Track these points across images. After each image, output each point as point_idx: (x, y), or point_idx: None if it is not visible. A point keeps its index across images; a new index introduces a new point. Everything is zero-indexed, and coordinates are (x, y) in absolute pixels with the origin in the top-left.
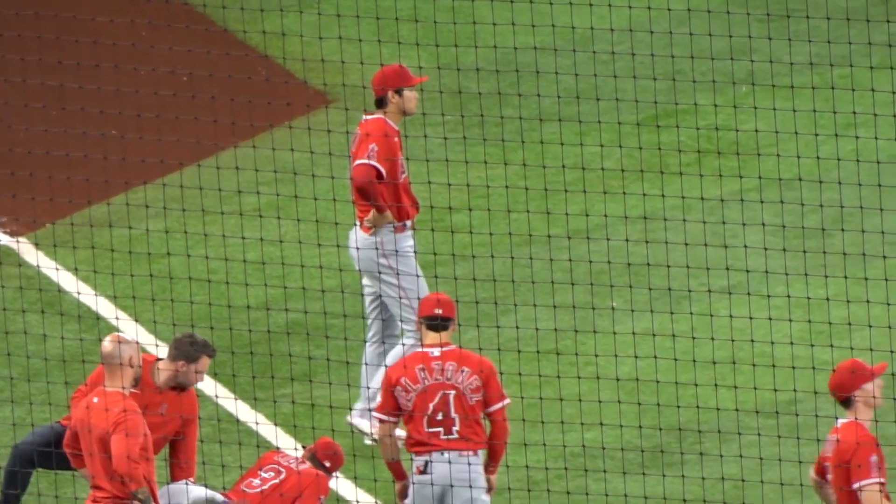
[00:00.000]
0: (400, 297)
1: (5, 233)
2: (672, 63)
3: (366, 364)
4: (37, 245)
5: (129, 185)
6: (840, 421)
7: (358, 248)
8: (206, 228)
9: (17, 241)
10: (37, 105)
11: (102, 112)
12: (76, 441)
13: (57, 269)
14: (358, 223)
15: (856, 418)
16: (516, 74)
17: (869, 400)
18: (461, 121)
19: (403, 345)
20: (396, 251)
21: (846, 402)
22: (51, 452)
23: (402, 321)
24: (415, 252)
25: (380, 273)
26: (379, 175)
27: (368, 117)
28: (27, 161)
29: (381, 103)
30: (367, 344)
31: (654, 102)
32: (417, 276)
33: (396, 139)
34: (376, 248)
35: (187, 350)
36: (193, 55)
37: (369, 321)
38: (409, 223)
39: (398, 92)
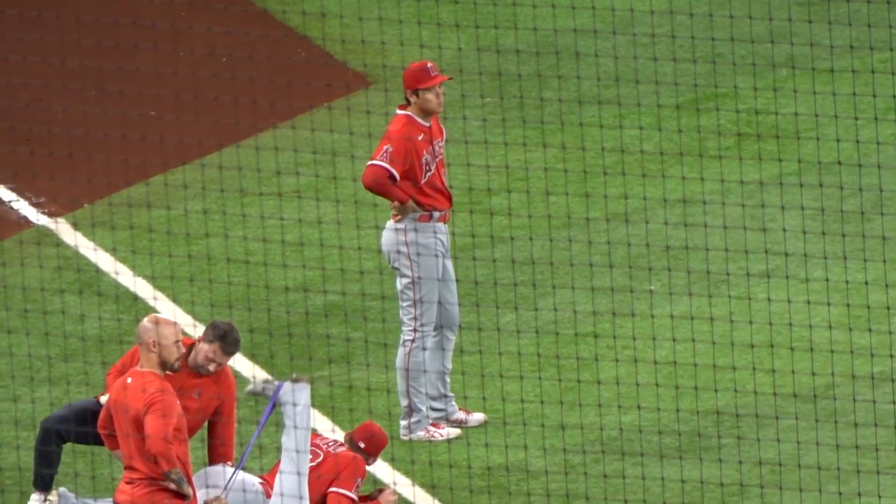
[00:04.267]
0: (404, 290)
1: (44, 213)
2: (712, 46)
3: (425, 371)
4: (75, 225)
5: (167, 165)
6: None
7: (387, 232)
8: (244, 209)
9: (56, 222)
10: (75, 86)
11: (141, 93)
12: (110, 422)
13: (95, 250)
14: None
15: None
16: (556, 57)
17: None
18: (500, 103)
19: (403, 345)
20: (418, 242)
21: None
22: (85, 430)
23: (402, 314)
24: (442, 253)
25: (398, 261)
26: (392, 177)
27: (398, 112)
28: (66, 142)
29: (408, 101)
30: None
31: (694, 85)
32: (438, 279)
33: (421, 137)
34: (402, 235)
35: (209, 329)
36: (232, 36)
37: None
38: (436, 214)
39: (415, 93)
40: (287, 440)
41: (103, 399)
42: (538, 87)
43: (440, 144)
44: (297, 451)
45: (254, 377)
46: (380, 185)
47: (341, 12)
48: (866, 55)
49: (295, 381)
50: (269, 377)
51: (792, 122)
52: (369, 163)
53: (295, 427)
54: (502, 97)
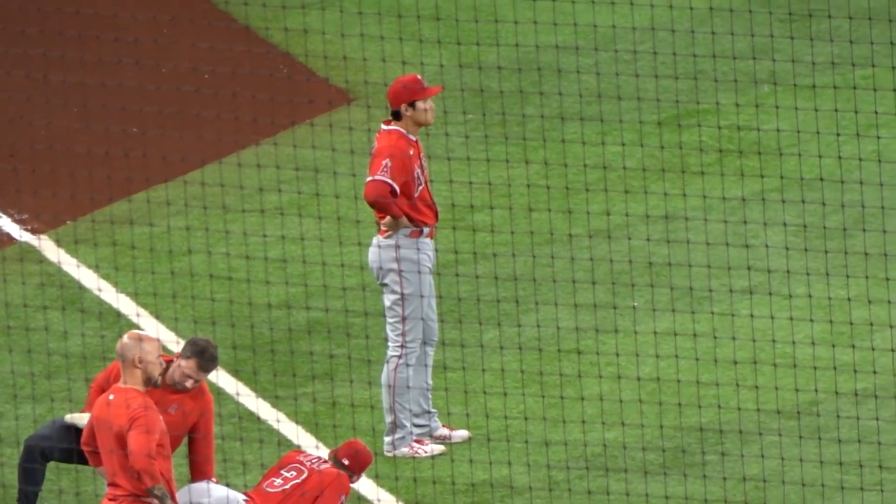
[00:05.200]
0: (392, 306)
1: (27, 230)
2: (694, 62)
3: (409, 387)
4: (58, 242)
5: (150, 182)
6: None
7: (376, 249)
8: (227, 226)
9: (39, 239)
10: (58, 101)
11: (124, 109)
12: (93, 439)
13: (78, 267)
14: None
15: None
16: (538, 73)
17: None
18: (483, 119)
19: (389, 361)
20: (409, 259)
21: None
22: (69, 447)
23: (389, 330)
24: (429, 269)
25: (387, 277)
26: (393, 192)
27: (386, 128)
28: (49, 158)
29: (396, 115)
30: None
31: (676, 102)
32: (421, 295)
33: (412, 152)
34: (392, 251)
35: (187, 346)
36: (215, 52)
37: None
38: (426, 229)
39: (411, 105)
40: None
41: (69, 417)
42: (520, 104)
43: (425, 157)
44: None
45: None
46: (383, 201)
47: (324, 29)
48: (848, 71)
49: None
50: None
51: (774, 139)
52: (370, 178)
53: None
54: (484, 113)
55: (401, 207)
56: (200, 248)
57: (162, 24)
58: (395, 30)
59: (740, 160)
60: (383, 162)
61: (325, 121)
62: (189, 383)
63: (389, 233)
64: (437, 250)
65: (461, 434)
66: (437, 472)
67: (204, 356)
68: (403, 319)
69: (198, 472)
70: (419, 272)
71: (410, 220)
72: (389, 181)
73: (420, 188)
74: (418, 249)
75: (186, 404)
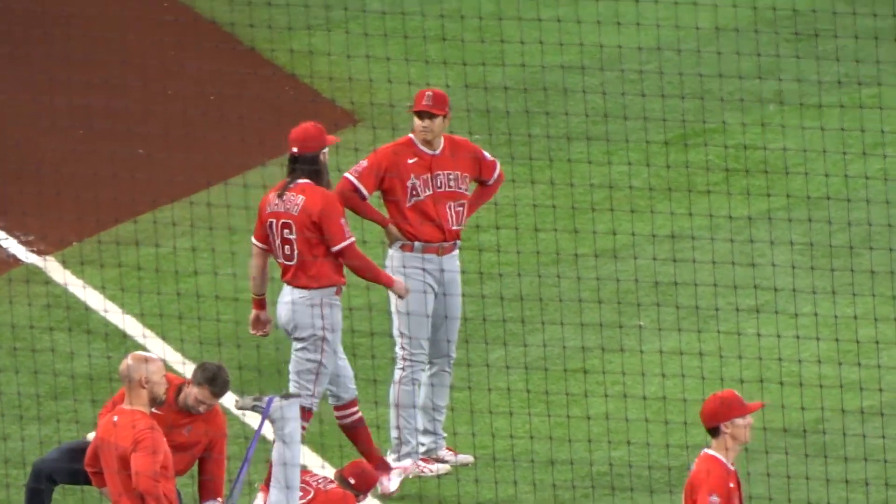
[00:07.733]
0: (392, 323)
1: (33, 251)
2: (700, 82)
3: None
4: (64, 263)
5: (156, 203)
6: (705, 450)
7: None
8: (233, 247)
9: (45, 260)
10: (64, 124)
11: (130, 131)
12: (97, 460)
13: (84, 288)
14: None
15: (725, 449)
16: (544, 93)
17: (738, 435)
18: (489, 139)
19: (394, 378)
20: (403, 274)
21: (713, 432)
22: (75, 469)
23: (395, 348)
24: (431, 287)
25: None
26: (356, 191)
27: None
28: (55, 180)
29: None
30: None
31: (682, 121)
32: (417, 312)
33: (412, 160)
34: (386, 262)
35: (197, 371)
36: (221, 74)
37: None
38: (417, 244)
39: (416, 114)
40: (277, 455)
41: (90, 436)
42: (526, 124)
43: (450, 176)
44: (286, 465)
45: (242, 393)
46: (344, 198)
47: (329, 50)
48: (854, 90)
49: (285, 396)
50: (258, 394)
51: (780, 158)
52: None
53: (285, 442)
54: (491, 134)
55: (393, 217)
56: (206, 269)
57: (168, 47)
58: (401, 50)
59: (747, 179)
60: (361, 162)
61: None
62: (202, 408)
63: (389, 242)
64: (441, 271)
65: (464, 459)
66: (443, 491)
67: (216, 382)
68: (402, 337)
69: (206, 491)
70: (416, 290)
71: (402, 232)
72: (353, 179)
73: (416, 199)
74: (417, 266)
75: (200, 426)
